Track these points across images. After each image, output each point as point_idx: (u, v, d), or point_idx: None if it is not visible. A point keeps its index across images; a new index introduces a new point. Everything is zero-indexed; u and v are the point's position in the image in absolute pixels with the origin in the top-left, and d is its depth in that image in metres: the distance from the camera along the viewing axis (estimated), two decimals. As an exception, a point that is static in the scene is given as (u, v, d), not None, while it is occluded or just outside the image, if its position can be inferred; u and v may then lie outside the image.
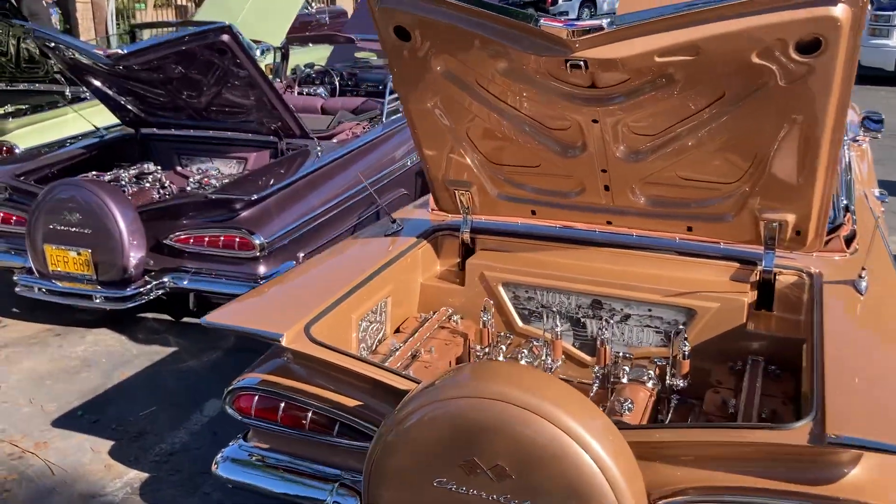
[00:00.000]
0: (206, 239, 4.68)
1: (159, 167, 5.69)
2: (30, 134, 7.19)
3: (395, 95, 6.72)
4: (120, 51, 4.82)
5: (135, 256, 4.63)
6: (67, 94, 8.00)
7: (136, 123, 5.87)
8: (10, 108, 7.87)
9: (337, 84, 7.73)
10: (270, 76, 6.98)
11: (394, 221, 3.55)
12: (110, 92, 5.55)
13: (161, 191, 5.42)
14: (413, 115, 3.06)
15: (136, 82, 5.27)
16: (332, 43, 8.19)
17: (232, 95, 5.23)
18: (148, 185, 5.44)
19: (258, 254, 4.61)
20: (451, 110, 2.99)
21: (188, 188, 5.38)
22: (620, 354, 3.01)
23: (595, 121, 2.76)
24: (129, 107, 5.67)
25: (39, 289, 4.80)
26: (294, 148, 5.53)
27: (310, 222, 4.97)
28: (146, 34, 12.11)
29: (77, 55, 5.07)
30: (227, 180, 5.38)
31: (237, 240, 4.62)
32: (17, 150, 7.01)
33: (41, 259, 4.76)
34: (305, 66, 8.20)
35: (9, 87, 8.27)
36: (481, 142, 3.11)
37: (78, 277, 4.72)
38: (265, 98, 5.10)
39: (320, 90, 7.53)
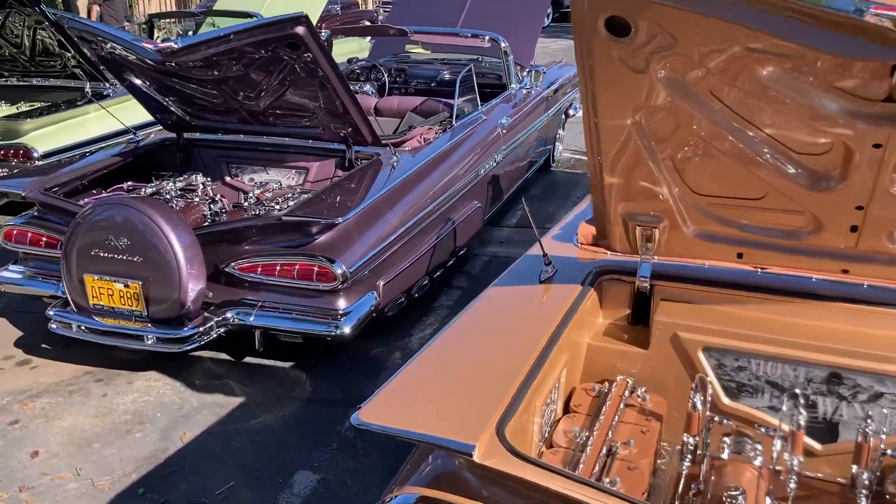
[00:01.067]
0: (278, 268, 3.95)
1: (209, 178, 4.95)
2: (49, 136, 6.43)
3: (468, 97, 6.02)
4: (173, 45, 4.07)
5: (193, 289, 3.90)
6: (87, 90, 7.23)
7: (178, 127, 5.11)
8: (23, 106, 7.10)
9: (386, 81, 7.00)
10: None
11: (549, 263, 2.82)
12: (152, 92, 4.80)
13: (211, 207, 4.68)
14: (602, 132, 2.34)
15: (186, 81, 4.52)
16: (382, 34, 7.43)
17: (298, 96, 4.48)
18: (196, 199, 4.70)
19: (339, 285, 3.89)
20: (659, 126, 2.27)
21: (244, 203, 4.64)
22: (885, 451, 2.30)
23: (878, 146, 2.05)
24: (172, 108, 4.92)
25: (78, 326, 4.06)
26: (365, 158, 4.80)
27: (389, 246, 4.24)
28: (170, 27, 11.39)
29: (118, 49, 4.32)
30: (291, 195, 4.64)
31: (315, 269, 3.89)
32: (35, 154, 6.26)
33: (80, 291, 4.03)
34: (348, 60, 7.46)
35: (21, 83, 7.50)
36: (688, 167, 2.39)
37: (125, 314, 3.98)
38: (338, 100, 4.36)
39: (367, 88, 6.80)
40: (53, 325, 4.12)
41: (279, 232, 3.99)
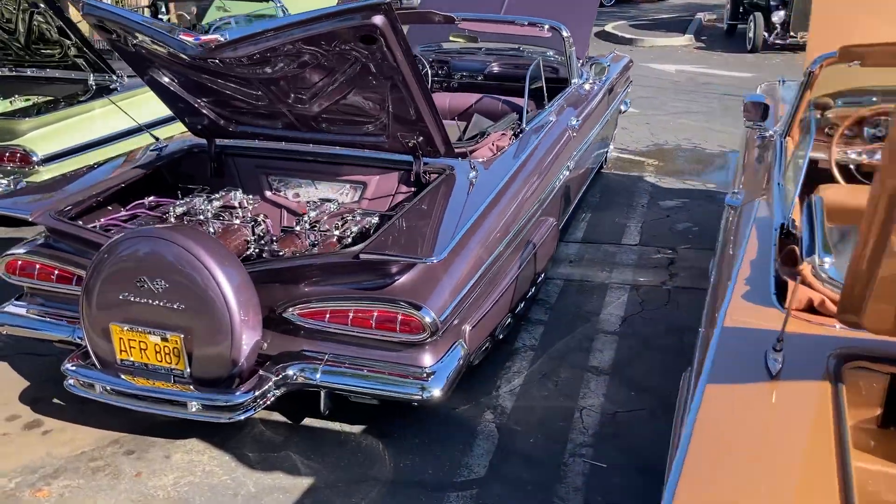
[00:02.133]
0: (350, 315, 3.20)
1: (253, 196, 4.18)
2: (49, 136, 5.63)
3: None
4: (220, 38, 3.27)
5: (247, 342, 3.14)
6: (91, 82, 6.42)
7: (210, 132, 4.32)
8: (18, 101, 6.27)
9: (428, 74, 6.23)
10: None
11: (780, 342, 2.08)
12: (182, 91, 4.00)
13: (255, 230, 3.91)
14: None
15: (226, 80, 3.74)
16: (426, 22, 6.62)
17: (361, 99, 3.71)
18: (237, 222, 3.93)
19: (426, 337, 3.14)
20: None
21: (296, 227, 3.86)
22: None
23: None
24: (204, 111, 4.13)
25: (103, 387, 3.28)
26: (434, 171, 4.04)
27: (475, 285, 3.49)
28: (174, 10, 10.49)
29: (149, 42, 3.52)
30: (351, 218, 3.87)
31: (399, 317, 3.14)
32: (34, 158, 5.46)
33: (105, 343, 3.26)
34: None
35: (15, 73, 6.66)
36: None
37: (162, 373, 3.22)
38: (412, 105, 3.58)
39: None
40: (70, 383, 3.35)
41: (353, 271, 3.23)
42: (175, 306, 3.11)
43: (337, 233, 3.76)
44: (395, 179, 4.20)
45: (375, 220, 3.87)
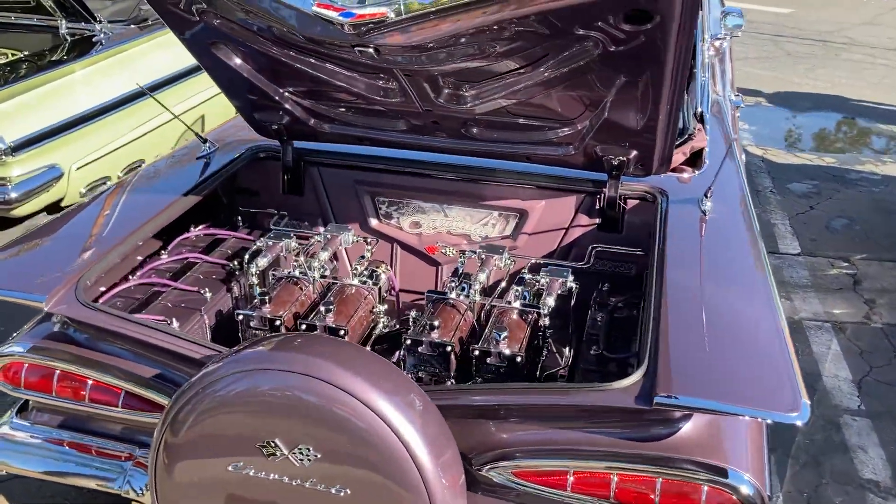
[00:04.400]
0: (614, 485, 1.94)
1: (371, 237, 2.84)
2: (19, 113, 4.11)
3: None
4: (387, 13, 1.86)
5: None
6: (63, 31, 4.83)
7: (292, 133, 2.89)
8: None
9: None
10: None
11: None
12: (267, 80, 2.57)
13: (382, 294, 2.58)
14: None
15: (356, 68, 2.33)
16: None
17: (568, 96, 2.34)
18: (354, 284, 2.58)
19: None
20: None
21: (451, 289, 2.52)
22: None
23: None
24: (290, 106, 2.70)
25: None
26: (636, 196, 2.74)
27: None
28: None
29: (253, 17, 2.09)
30: (545, 277, 2.53)
31: (704, 491, 1.89)
32: (1, 146, 3.95)
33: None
34: None
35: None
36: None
37: None
38: (652, 109, 2.25)
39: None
40: None
41: (612, 413, 1.95)
42: (334, 491, 1.80)
43: (517, 305, 2.45)
44: (571, 205, 2.87)
45: (571, 280, 2.54)
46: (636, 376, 1.88)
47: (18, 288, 2.20)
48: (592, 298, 2.66)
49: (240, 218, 3.01)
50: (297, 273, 2.57)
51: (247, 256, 2.61)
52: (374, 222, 3.00)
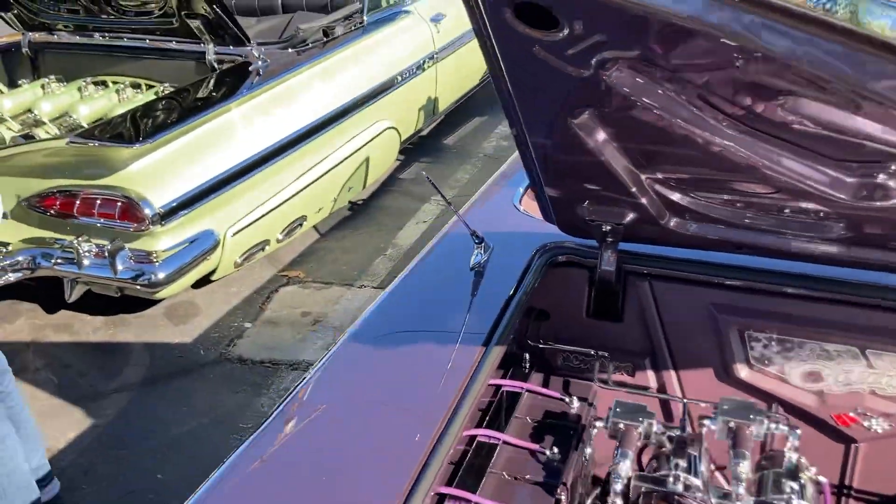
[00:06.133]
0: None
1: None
2: (166, 171, 3.17)
3: None
4: None
5: None
6: (210, 57, 3.88)
7: (632, 232, 1.84)
8: (95, 93, 3.81)
9: None
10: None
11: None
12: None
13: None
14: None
15: None
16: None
17: None
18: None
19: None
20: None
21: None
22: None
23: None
24: (653, 202, 1.67)
25: None
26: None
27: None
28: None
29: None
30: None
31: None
32: (147, 211, 3.08)
33: None
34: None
35: (88, 39, 4.13)
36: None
37: None
38: None
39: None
40: None
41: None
42: None
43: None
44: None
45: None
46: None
47: None
48: None
49: (527, 356, 1.98)
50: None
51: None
52: (741, 370, 1.93)
